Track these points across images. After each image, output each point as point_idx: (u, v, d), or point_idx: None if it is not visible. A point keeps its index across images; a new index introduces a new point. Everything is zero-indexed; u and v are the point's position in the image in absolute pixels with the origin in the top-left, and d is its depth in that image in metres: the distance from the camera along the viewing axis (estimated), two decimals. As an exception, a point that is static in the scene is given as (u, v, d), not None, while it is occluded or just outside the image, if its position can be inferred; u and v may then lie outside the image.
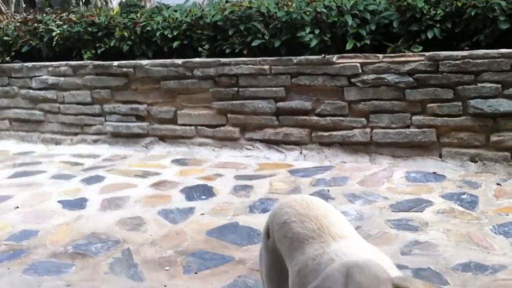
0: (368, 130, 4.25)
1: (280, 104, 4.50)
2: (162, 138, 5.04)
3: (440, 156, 4.07)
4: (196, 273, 2.78)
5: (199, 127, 4.88)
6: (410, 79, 4.01)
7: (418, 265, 2.66)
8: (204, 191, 3.92)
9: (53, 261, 3.02)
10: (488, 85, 3.79)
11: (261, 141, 4.65)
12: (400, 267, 2.55)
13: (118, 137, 5.22)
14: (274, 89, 4.50)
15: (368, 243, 1.62)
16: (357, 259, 1.38)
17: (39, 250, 3.18)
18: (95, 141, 5.33)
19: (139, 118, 5.09)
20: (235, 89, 4.64)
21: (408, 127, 4.12)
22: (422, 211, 3.31)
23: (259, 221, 3.18)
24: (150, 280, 2.75)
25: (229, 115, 4.73)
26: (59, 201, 3.96)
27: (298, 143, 4.52)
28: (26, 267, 2.97)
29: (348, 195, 3.63)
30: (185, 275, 2.77)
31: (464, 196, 3.50)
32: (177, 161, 4.71)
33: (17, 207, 3.92)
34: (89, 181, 4.36)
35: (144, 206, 3.74)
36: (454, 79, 3.88)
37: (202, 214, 3.52)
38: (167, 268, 2.84)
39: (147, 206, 3.73)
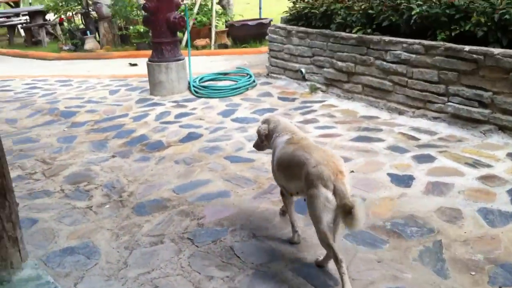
0: None
1: None
2: (502, 128, 4.84)
3: None
4: (500, 287, 2.78)
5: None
6: None
7: None
8: (534, 198, 3.71)
9: (371, 233, 3.40)
10: None
11: None
12: None
13: (457, 118, 5.23)
14: None
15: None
16: None
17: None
18: (434, 118, 5.47)
19: (482, 104, 4.98)
20: None
21: None
22: None
23: None
24: (453, 280, 2.86)
25: None
26: (389, 174, 4.30)
27: None
28: (346, 231, 3.41)
29: None
30: (489, 286, 2.79)
31: None
32: (513, 156, 4.50)
33: (352, 171, 4.44)
34: (420, 159, 4.56)
35: (466, 199, 3.77)
36: None
37: (524, 223, 3.38)
38: (472, 273, 2.89)
39: (469, 199, 3.75)
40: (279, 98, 6.99)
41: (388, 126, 5.56)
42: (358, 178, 4.27)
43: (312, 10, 7.20)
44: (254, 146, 3.73)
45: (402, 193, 3.95)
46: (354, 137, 5.28)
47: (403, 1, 5.78)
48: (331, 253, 2.79)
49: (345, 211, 2.65)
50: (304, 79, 7.31)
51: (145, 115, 6.54)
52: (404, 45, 5.64)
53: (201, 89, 7.45)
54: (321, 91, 6.99)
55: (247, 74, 8.03)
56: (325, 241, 2.80)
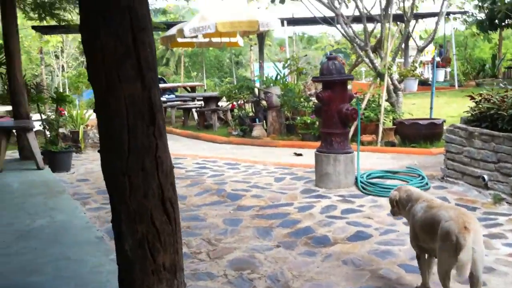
0: None
1: None
2: None
3: None
4: None
5: None
6: None
7: None
8: None
9: None
10: None
11: None
12: None
13: None
14: None
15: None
16: None
17: None
18: None
19: None
20: None
21: None
22: None
23: None
24: None
25: None
26: None
27: None
28: None
29: None
30: None
31: None
32: None
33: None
34: None
35: None
36: None
37: None
38: None
39: None
40: (457, 205, 6.33)
41: None
42: None
43: (499, 112, 6.60)
44: (391, 212, 4.22)
45: None
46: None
47: None
48: None
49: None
50: (486, 187, 6.60)
51: (310, 207, 6.31)
52: None
53: (369, 186, 7.09)
54: (507, 202, 6.22)
55: (419, 175, 7.52)
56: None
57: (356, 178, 7.35)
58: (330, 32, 33.36)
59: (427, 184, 7.17)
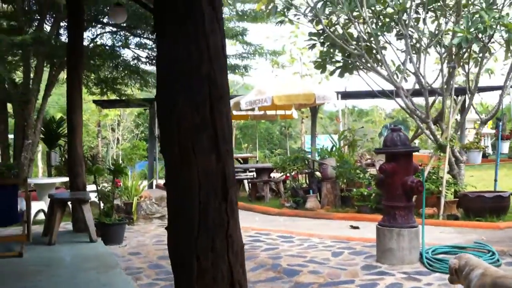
0: None
1: None
2: None
3: None
4: None
5: None
6: None
7: None
8: None
9: None
10: None
11: None
12: None
13: None
14: None
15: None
16: None
17: None
18: None
19: None
20: None
21: None
22: None
23: None
24: None
25: None
26: None
27: None
28: None
29: None
30: None
31: None
32: None
33: None
34: None
35: None
36: None
37: None
38: None
39: None
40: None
41: None
42: None
43: None
44: (448, 279, 4.28)
45: None
46: None
47: None
48: None
49: None
50: None
51: (374, 285, 5.87)
52: None
53: (435, 262, 6.58)
54: None
55: (489, 251, 6.96)
56: None
57: (421, 254, 6.87)
58: (381, 105, 33.14)
59: (498, 260, 6.62)
